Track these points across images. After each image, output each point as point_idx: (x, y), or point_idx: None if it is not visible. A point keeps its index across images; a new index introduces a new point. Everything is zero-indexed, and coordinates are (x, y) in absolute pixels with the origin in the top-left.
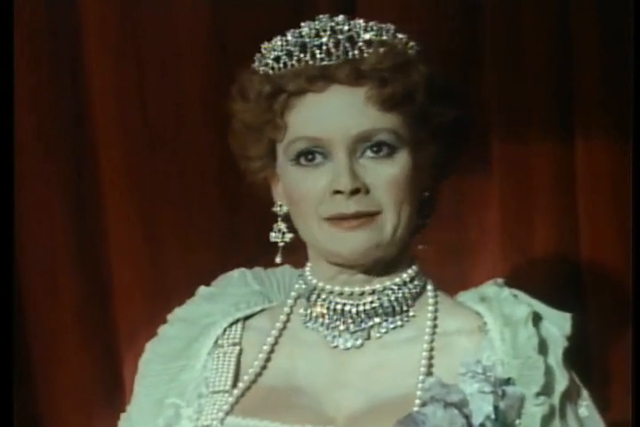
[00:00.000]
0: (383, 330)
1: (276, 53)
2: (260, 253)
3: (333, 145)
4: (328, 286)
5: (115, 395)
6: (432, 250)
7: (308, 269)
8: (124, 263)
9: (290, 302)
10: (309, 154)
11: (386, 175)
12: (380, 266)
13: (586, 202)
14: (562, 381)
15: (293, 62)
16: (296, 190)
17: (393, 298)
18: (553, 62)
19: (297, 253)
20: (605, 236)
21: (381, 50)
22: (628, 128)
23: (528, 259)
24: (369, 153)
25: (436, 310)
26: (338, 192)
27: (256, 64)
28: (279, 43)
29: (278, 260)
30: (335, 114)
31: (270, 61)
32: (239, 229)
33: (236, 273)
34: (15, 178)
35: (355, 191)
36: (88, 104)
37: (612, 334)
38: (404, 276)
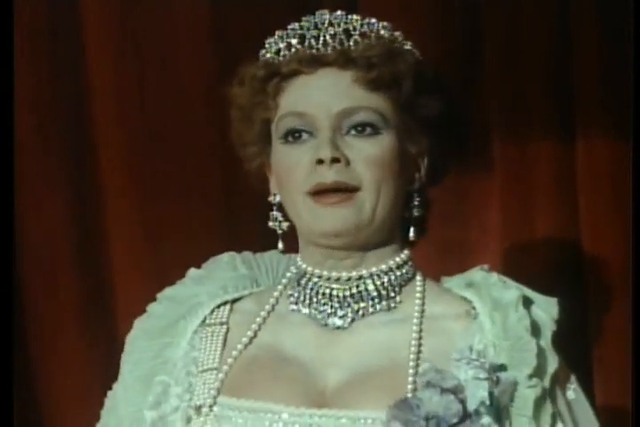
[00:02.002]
0: (370, 310)
1: (277, 47)
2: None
3: (318, 121)
4: (317, 271)
5: None
6: (433, 250)
7: (299, 255)
8: (124, 263)
9: (280, 287)
10: (296, 132)
11: (367, 153)
12: (366, 252)
13: (586, 202)
14: (552, 363)
15: (291, 53)
16: (283, 166)
17: (379, 283)
18: (553, 62)
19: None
20: (605, 236)
21: (374, 40)
22: (628, 128)
23: (529, 258)
24: (353, 131)
25: (423, 297)
26: (319, 162)
27: (260, 58)
28: (280, 36)
29: (280, 246)
30: (321, 92)
31: (272, 54)
32: (240, 228)
33: (225, 257)
34: (15, 178)
35: (335, 160)
36: (88, 104)
37: (613, 333)
38: (391, 263)
